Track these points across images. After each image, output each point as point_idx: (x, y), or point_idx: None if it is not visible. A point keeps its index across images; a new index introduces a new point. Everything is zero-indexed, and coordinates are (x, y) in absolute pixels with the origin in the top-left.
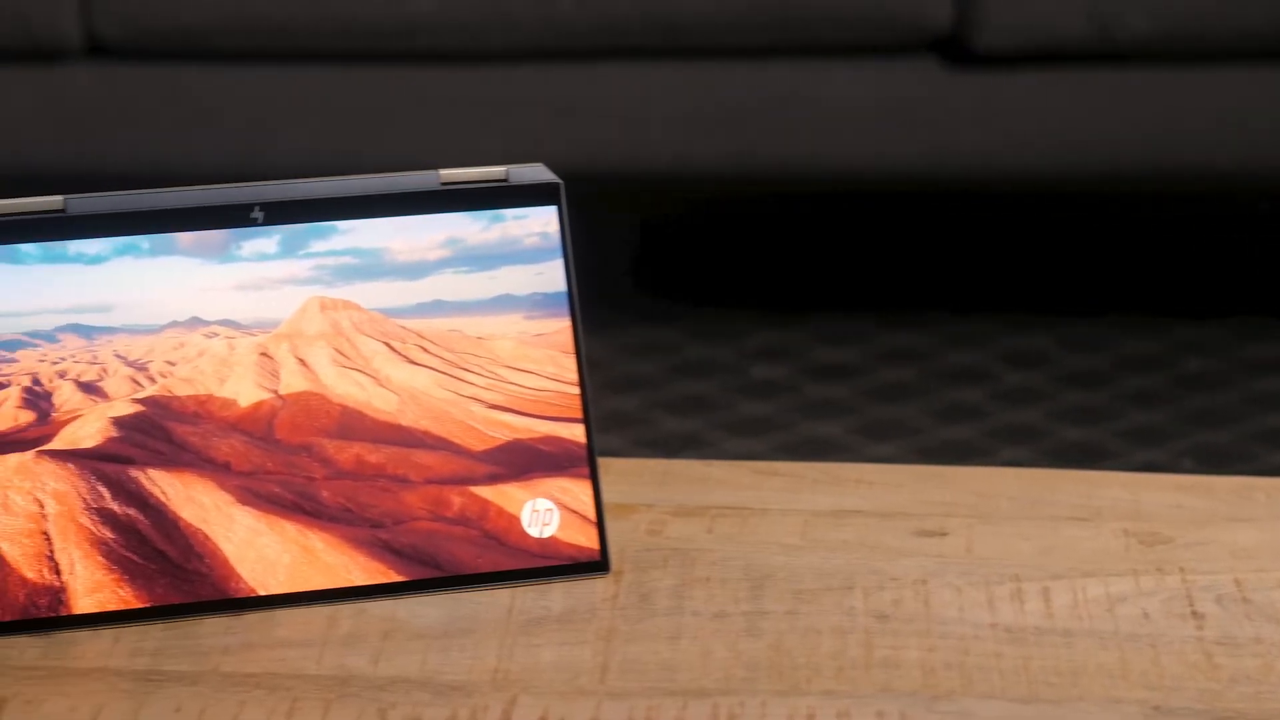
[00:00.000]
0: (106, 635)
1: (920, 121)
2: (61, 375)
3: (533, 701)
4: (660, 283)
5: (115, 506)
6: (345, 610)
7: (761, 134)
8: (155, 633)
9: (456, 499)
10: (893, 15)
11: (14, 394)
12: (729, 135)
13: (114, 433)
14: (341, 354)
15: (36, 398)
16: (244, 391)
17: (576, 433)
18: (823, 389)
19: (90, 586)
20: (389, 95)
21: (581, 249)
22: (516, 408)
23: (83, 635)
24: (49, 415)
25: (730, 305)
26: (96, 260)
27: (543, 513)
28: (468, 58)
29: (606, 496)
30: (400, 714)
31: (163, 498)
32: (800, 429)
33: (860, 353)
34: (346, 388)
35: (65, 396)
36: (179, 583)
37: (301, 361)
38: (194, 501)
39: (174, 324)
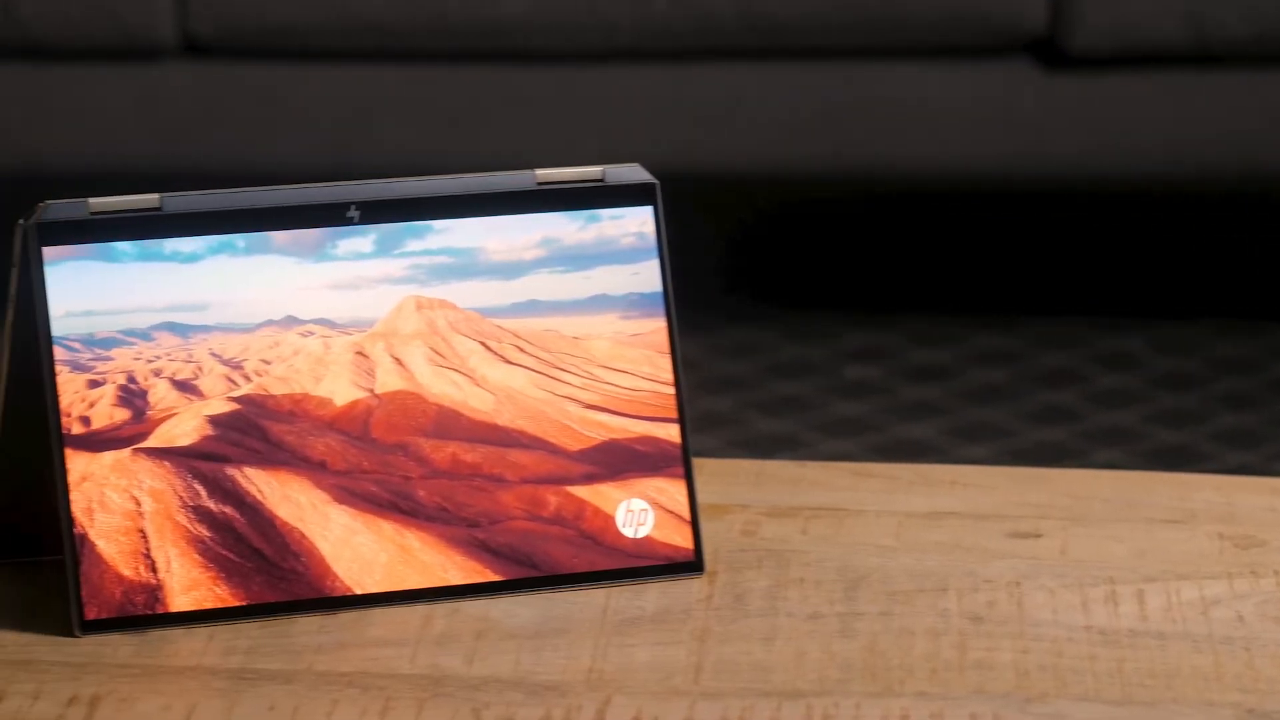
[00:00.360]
0: (200, 633)
1: (1014, 123)
2: (157, 373)
3: (627, 702)
4: (755, 283)
5: (211, 504)
6: (439, 610)
7: (856, 135)
8: (249, 631)
9: (552, 499)
10: (987, 17)
11: (110, 392)
12: (823, 136)
13: (210, 431)
14: (437, 353)
15: (132, 396)
16: (340, 390)
17: (672, 433)
18: (916, 390)
19: (186, 584)
20: (484, 95)
21: (676, 249)
22: (612, 407)
23: (176, 633)
24: (144, 413)
25: (824, 306)
26: (192, 259)
27: (637, 513)
28: (563, 57)
29: (701, 497)
30: (494, 714)
31: (259, 496)
32: (893, 430)
33: (953, 354)
34: (442, 387)
35: (160, 394)
36: (275, 581)
37: (397, 360)
38: (290, 500)
39: (269, 323)
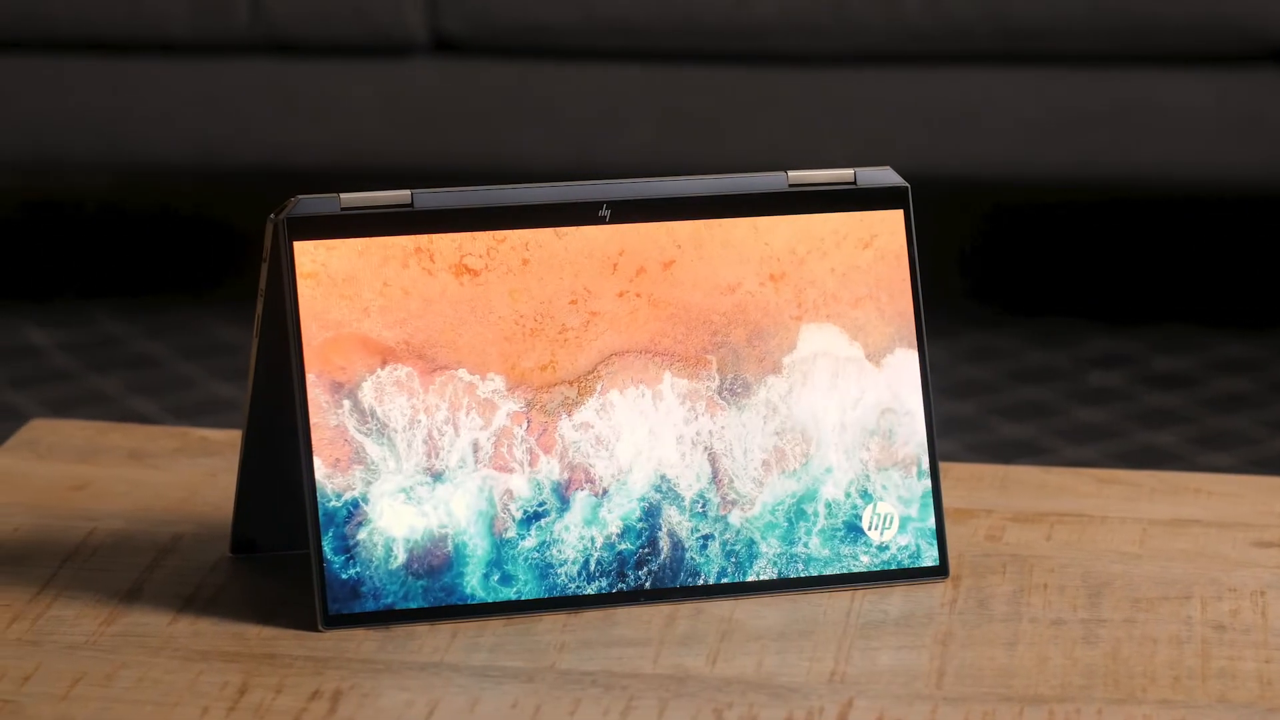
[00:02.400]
0: (443, 630)
1: (1261, 130)
2: None
3: (869, 705)
4: (998, 288)
5: None
6: (683, 610)
7: (1102, 140)
8: (493, 628)
9: None
10: (1236, 23)
11: None
12: (1070, 141)
13: None
14: None
15: None
16: None
17: None
18: (1159, 397)
19: None
20: (732, 96)
21: (921, 252)
22: None
23: (420, 629)
24: None
25: (1067, 312)
26: None
27: (883, 516)
28: (811, 59)
29: (945, 501)
30: (736, 714)
31: None
32: (1136, 437)
33: (1196, 361)
34: None
35: None
36: None
37: None
38: None
39: None
